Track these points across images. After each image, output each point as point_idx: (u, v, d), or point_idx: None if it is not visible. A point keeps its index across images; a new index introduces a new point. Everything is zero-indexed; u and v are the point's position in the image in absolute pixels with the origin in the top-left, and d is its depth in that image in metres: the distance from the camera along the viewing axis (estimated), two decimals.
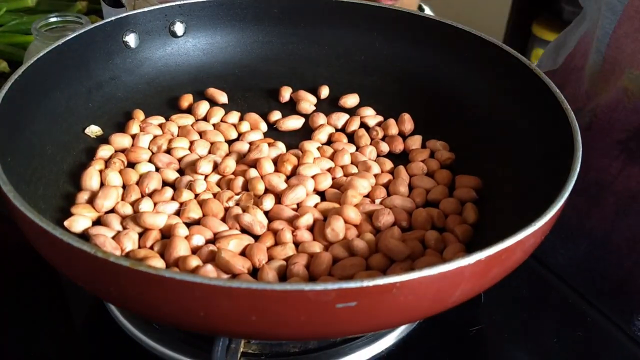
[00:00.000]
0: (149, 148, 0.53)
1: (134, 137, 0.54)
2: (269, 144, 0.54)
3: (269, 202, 0.48)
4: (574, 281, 0.53)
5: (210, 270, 0.41)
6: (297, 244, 0.45)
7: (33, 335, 0.46)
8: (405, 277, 0.31)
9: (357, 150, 0.56)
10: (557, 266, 0.55)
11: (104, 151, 0.52)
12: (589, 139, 0.55)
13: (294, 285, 0.31)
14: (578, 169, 0.40)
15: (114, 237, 0.44)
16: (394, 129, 0.57)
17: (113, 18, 0.56)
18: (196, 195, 0.49)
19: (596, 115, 0.54)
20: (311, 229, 0.46)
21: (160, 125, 0.56)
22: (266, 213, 0.48)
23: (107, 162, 0.51)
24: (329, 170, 0.52)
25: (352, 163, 0.53)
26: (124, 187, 0.49)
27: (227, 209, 0.47)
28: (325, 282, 0.30)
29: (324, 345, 0.45)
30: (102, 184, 0.49)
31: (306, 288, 0.30)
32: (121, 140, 0.53)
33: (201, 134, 0.56)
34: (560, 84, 0.61)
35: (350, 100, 0.60)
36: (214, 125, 0.57)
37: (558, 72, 0.64)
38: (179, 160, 0.52)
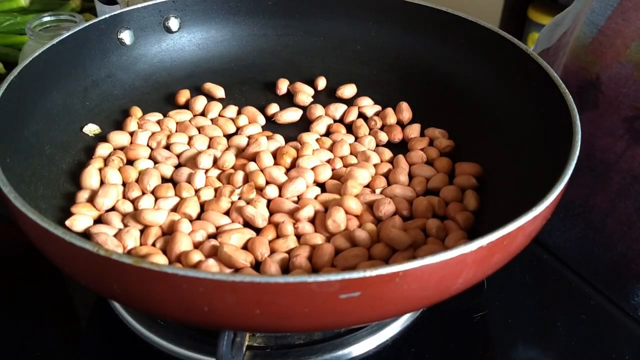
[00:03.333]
0: (147, 145, 0.53)
1: (132, 134, 0.54)
2: (268, 137, 0.54)
3: (272, 191, 0.48)
4: (571, 262, 0.53)
5: (212, 264, 0.41)
6: (298, 236, 0.45)
7: (37, 334, 0.47)
8: (408, 266, 0.31)
9: (355, 140, 0.55)
10: (555, 246, 0.55)
11: (103, 149, 0.52)
12: (595, 117, 0.55)
13: (297, 277, 0.31)
14: (577, 154, 0.40)
15: (115, 235, 0.44)
16: (392, 118, 0.57)
17: (107, 15, 0.55)
18: (196, 191, 0.49)
19: (602, 92, 0.54)
20: (312, 220, 0.47)
21: (158, 122, 0.56)
22: (268, 205, 0.48)
23: (106, 160, 0.51)
24: (329, 161, 0.52)
25: (351, 153, 0.53)
26: (124, 184, 0.49)
27: (232, 203, 0.48)
28: (328, 274, 0.30)
29: (328, 336, 0.45)
30: (102, 183, 0.49)
31: (309, 280, 0.30)
32: (119, 137, 0.53)
33: (199, 129, 0.56)
34: (551, 62, 0.61)
35: (348, 90, 0.60)
36: (211, 120, 0.57)
37: (551, 49, 0.64)
38: (178, 156, 0.52)
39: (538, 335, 0.48)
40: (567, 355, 0.47)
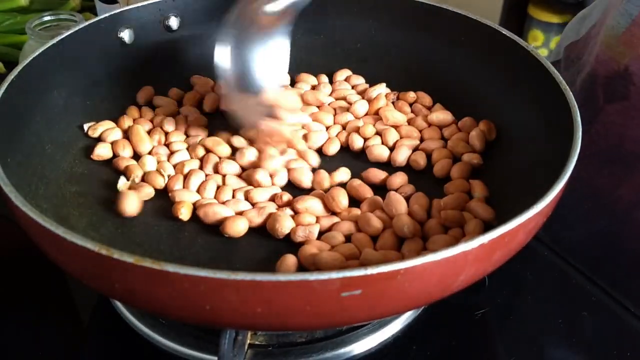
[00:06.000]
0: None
1: (127, 130, 0.54)
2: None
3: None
4: (591, 254, 0.52)
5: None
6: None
7: (39, 334, 0.47)
8: (409, 263, 0.31)
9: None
10: (576, 239, 0.55)
11: (102, 149, 0.52)
12: (626, 108, 0.54)
13: (298, 275, 0.31)
14: (578, 151, 0.40)
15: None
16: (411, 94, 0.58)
17: (107, 15, 0.55)
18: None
19: (633, 83, 0.54)
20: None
21: (151, 120, 0.56)
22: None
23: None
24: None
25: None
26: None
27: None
28: (329, 271, 0.30)
29: (330, 334, 0.45)
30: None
31: (311, 278, 0.30)
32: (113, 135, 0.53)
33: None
34: (581, 53, 0.60)
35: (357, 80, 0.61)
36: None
37: (580, 41, 0.63)
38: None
39: (539, 333, 0.48)
40: (568, 352, 0.47)
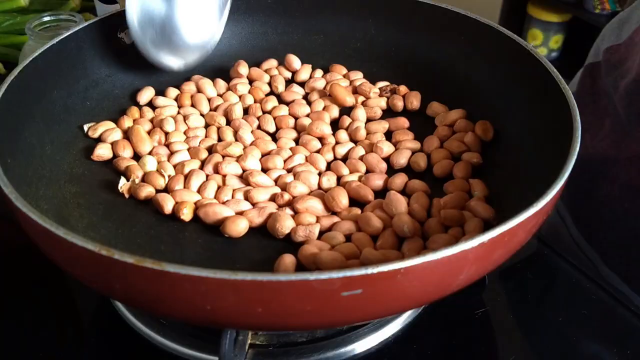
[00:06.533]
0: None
1: (127, 131, 0.54)
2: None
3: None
4: (626, 254, 0.51)
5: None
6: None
7: (40, 335, 0.47)
8: (410, 262, 0.31)
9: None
10: (612, 238, 0.54)
11: (102, 149, 0.52)
12: None
13: (299, 275, 0.31)
14: (577, 149, 0.40)
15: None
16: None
17: (107, 14, 0.55)
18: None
19: None
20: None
21: (151, 120, 0.56)
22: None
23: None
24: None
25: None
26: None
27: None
28: (330, 271, 0.30)
29: (331, 333, 0.45)
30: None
31: (311, 278, 0.30)
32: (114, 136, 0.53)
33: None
34: (623, 58, 0.60)
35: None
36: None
37: (622, 46, 0.63)
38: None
39: (540, 331, 0.48)
40: (568, 351, 0.47)
